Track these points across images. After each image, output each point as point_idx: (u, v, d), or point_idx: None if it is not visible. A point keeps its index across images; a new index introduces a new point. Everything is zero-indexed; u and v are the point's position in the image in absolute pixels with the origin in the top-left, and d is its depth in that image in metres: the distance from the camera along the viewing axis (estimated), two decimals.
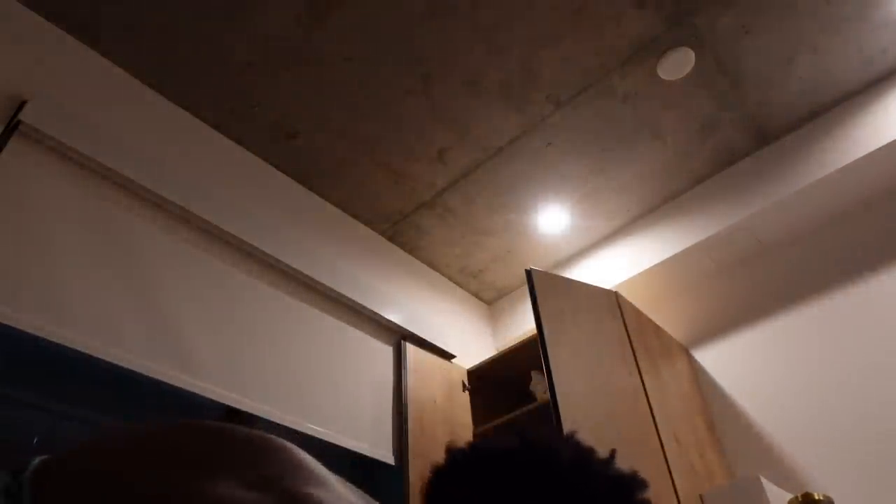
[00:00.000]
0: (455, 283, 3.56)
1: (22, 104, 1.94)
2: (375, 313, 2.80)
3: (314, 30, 2.31)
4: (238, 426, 0.57)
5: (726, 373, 2.83)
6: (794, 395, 2.57)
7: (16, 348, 1.76)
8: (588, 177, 2.98)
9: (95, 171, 2.08)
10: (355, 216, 3.12)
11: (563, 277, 2.60)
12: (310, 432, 2.29)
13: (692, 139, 2.84)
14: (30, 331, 1.71)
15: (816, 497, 1.93)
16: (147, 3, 2.19)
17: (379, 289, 2.93)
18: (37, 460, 0.55)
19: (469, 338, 3.38)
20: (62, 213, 1.95)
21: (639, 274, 3.01)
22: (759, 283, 2.90)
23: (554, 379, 2.08)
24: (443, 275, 3.50)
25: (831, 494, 2.01)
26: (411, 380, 2.75)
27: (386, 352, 2.84)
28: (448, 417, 2.80)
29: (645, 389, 2.39)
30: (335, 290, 2.66)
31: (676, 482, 2.17)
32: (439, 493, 0.66)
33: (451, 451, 0.66)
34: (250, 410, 2.14)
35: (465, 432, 2.84)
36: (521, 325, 3.38)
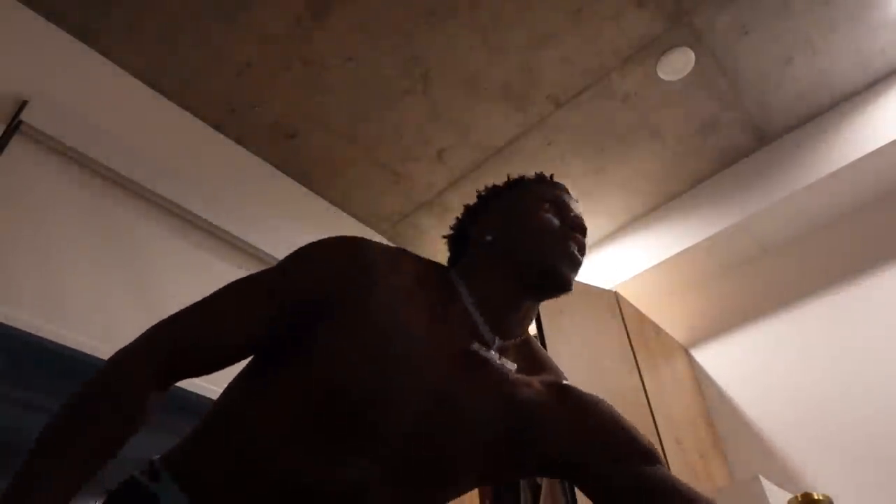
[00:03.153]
0: None
1: (23, 104, 1.94)
2: None
3: (314, 30, 2.31)
4: None
5: (726, 373, 2.83)
6: (793, 395, 2.57)
7: (16, 348, 1.75)
8: (588, 177, 2.98)
9: (96, 170, 2.08)
10: (355, 216, 3.12)
11: None
12: None
13: (692, 139, 2.84)
14: (30, 331, 1.71)
15: (816, 497, 1.93)
16: (147, 4, 2.19)
17: None
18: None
19: None
20: (63, 212, 1.95)
21: (639, 274, 3.01)
22: (759, 283, 2.90)
23: None
24: None
25: (831, 494, 2.00)
26: None
27: None
28: None
29: (645, 389, 2.39)
30: None
31: None
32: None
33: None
34: None
35: None
36: None
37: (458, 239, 0.97)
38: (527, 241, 0.88)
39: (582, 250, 0.90)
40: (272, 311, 0.77)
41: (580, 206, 0.97)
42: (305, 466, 0.73)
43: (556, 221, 0.89)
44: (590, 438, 0.86)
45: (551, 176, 0.99)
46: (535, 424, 0.84)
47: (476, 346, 0.82)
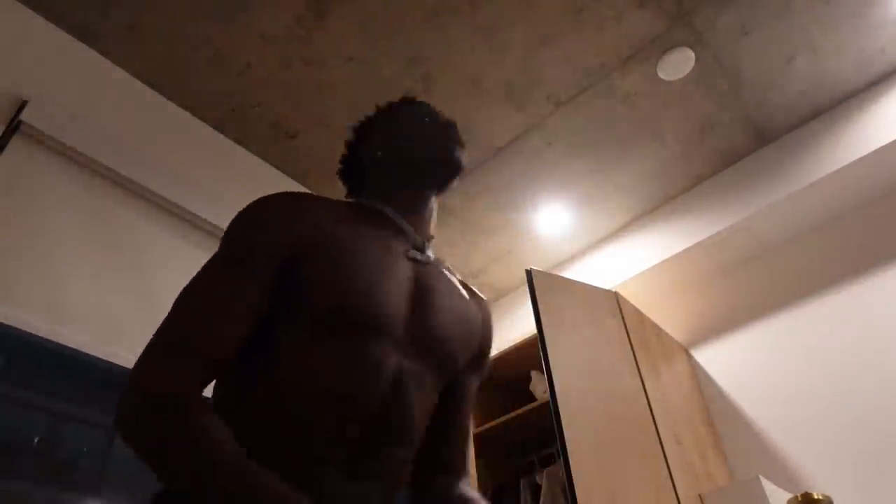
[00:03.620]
0: None
1: (23, 104, 1.94)
2: None
3: (314, 30, 2.31)
4: None
5: (726, 373, 2.83)
6: (793, 395, 2.57)
7: (16, 348, 1.76)
8: (588, 177, 2.98)
9: (96, 171, 2.08)
10: None
11: (562, 277, 2.60)
12: None
13: (692, 139, 2.84)
14: (30, 331, 1.71)
15: (816, 497, 1.93)
16: (147, 4, 2.19)
17: None
18: None
19: None
20: (63, 212, 1.95)
21: (639, 274, 3.01)
22: (759, 283, 2.90)
23: (554, 379, 2.08)
24: None
25: (831, 494, 2.01)
26: None
27: None
28: None
29: (645, 389, 2.39)
30: None
31: (676, 482, 2.17)
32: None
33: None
34: None
35: None
36: (521, 325, 3.38)
37: (350, 172, 1.10)
38: (413, 141, 1.00)
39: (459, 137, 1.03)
40: (263, 284, 0.80)
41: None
42: (346, 381, 0.78)
43: (430, 119, 1.03)
44: (480, 345, 1.00)
45: (414, 97, 1.10)
46: (474, 315, 0.99)
47: (413, 251, 0.94)
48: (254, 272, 0.80)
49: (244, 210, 0.87)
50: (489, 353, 1.04)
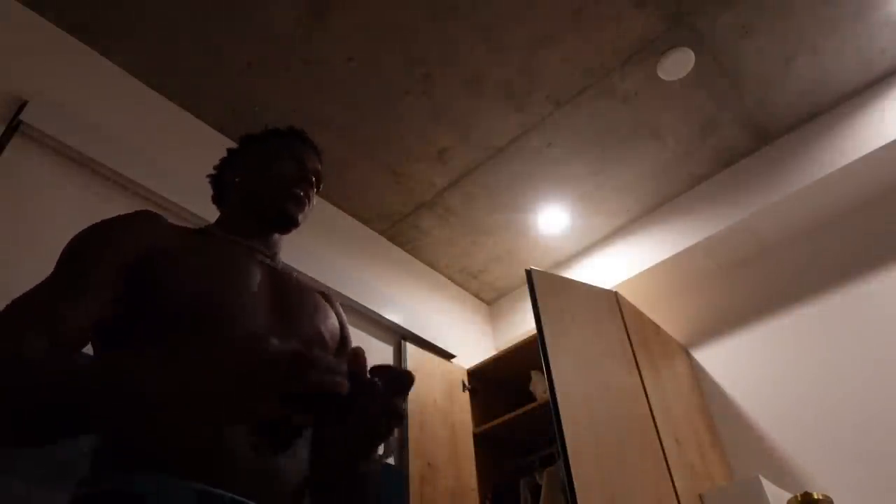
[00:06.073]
0: (455, 283, 3.56)
1: (23, 104, 1.94)
2: (375, 313, 2.80)
3: (314, 30, 2.31)
4: None
5: (726, 373, 2.83)
6: (793, 395, 2.57)
7: None
8: (588, 177, 2.98)
9: (96, 170, 2.08)
10: (355, 216, 3.12)
11: (563, 277, 2.60)
12: None
13: (692, 139, 2.84)
14: None
15: (816, 497, 1.93)
16: (147, 4, 2.19)
17: (379, 289, 2.93)
18: None
19: (469, 338, 3.38)
20: (63, 212, 1.95)
21: (639, 274, 3.01)
22: (759, 283, 2.90)
23: (554, 379, 2.09)
24: (443, 275, 3.50)
25: (831, 494, 2.01)
26: None
27: (386, 352, 2.84)
28: (448, 417, 2.80)
29: (645, 389, 2.39)
30: (335, 290, 2.66)
31: (676, 482, 2.17)
32: None
33: None
34: None
35: (464, 432, 2.84)
36: (521, 325, 3.39)
37: (216, 184, 1.18)
38: (261, 185, 1.08)
39: (308, 195, 1.10)
40: (108, 284, 0.81)
41: (319, 163, 1.16)
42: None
43: (288, 170, 1.10)
44: (341, 331, 1.09)
45: (300, 132, 1.17)
46: (326, 306, 1.08)
47: (261, 257, 1.03)
48: (99, 273, 0.81)
49: (86, 228, 0.88)
50: (349, 340, 1.12)
